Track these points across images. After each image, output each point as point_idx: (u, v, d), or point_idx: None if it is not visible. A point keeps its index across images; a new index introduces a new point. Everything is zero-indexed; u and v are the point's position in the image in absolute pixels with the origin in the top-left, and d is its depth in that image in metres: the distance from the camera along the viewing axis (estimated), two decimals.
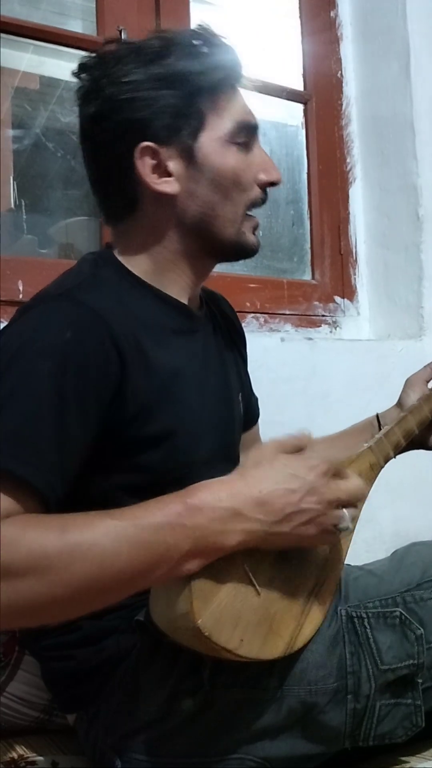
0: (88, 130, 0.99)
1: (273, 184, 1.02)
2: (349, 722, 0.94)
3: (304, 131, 2.01)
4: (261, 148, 1.03)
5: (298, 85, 2.01)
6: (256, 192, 1.01)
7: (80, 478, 0.86)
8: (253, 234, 1.03)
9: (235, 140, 0.98)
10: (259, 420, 1.26)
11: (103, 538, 0.76)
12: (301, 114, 2.02)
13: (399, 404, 1.21)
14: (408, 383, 1.21)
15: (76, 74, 0.99)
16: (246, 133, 1.00)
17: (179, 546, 0.78)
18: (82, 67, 0.99)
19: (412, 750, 1.03)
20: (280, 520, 0.83)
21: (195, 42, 0.98)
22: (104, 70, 0.97)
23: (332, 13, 2.05)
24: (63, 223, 1.72)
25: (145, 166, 0.96)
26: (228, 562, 0.83)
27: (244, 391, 1.16)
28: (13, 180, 1.69)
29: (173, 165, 0.97)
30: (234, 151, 0.98)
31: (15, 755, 1.09)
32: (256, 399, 1.24)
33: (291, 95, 1.99)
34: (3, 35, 1.59)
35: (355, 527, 0.91)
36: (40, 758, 1.08)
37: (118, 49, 0.98)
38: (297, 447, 0.89)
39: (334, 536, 0.89)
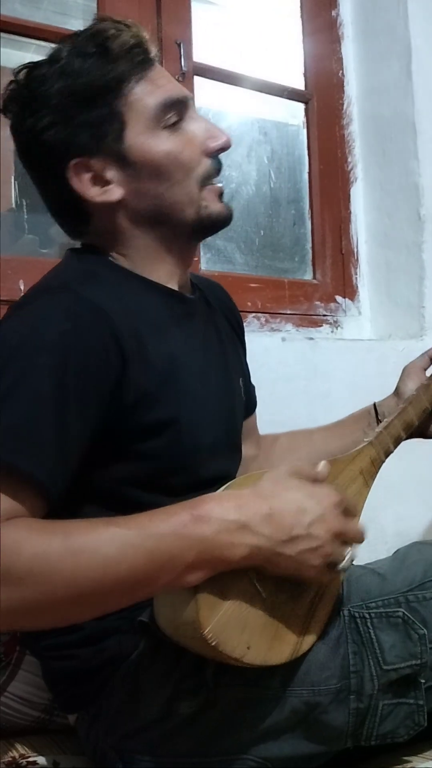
0: (25, 163, 1.00)
1: (222, 149, 0.99)
2: (352, 722, 0.93)
3: (305, 131, 2.01)
4: (199, 117, 0.99)
5: (299, 84, 2.01)
6: (206, 164, 0.98)
7: (84, 472, 0.86)
8: (218, 202, 1.00)
9: (163, 123, 0.95)
10: (261, 420, 1.26)
11: (107, 544, 0.75)
12: (302, 113, 2.02)
13: (396, 393, 1.19)
14: (405, 372, 1.20)
15: (2, 111, 0.98)
16: (175, 110, 0.96)
17: (183, 556, 0.77)
18: (5, 104, 0.98)
19: (415, 749, 1.02)
20: (287, 541, 0.82)
21: (94, 40, 0.94)
22: (21, 101, 0.95)
23: (333, 13, 2.05)
24: None
25: (82, 182, 0.95)
26: (234, 570, 0.82)
27: (245, 377, 1.15)
28: (14, 180, 1.68)
29: (109, 172, 0.95)
30: (165, 135, 0.95)
31: (16, 755, 1.09)
32: (254, 388, 1.23)
33: (292, 94, 1.99)
34: (4, 35, 1.59)
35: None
36: (41, 758, 1.08)
37: (31, 72, 0.95)
38: (313, 477, 0.88)
39: (332, 574, 0.88)
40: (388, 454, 1.05)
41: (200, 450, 0.96)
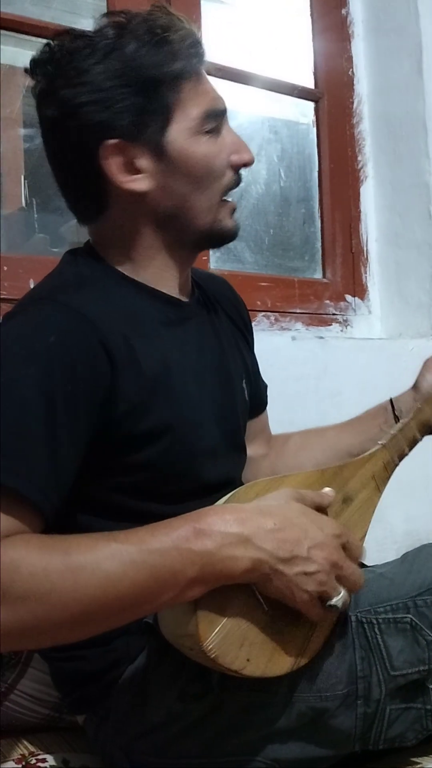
0: (48, 133, 0.95)
1: (246, 165, 0.99)
2: (359, 726, 0.93)
3: (315, 129, 2.01)
4: (230, 130, 0.99)
5: (309, 83, 2.01)
6: (230, 176, 0.98)
7: (80, 484, 0.85)
8: (231, 218, 1.00)
9: (204, 129, 0.95)
10: (271, 419, 1.25)
11: (108, 561, 0.74)
12: (313, 112, 2.01)
13: (415, 387, 1.16)
14: (426, 366, 1.16)
15: (29, 72, 0.94)
16: (214, 119, 0.96)
17: (185, 571, 0.76)
18: (34, 63, 0.94)
19: (423, 750, 1.02)
20: (287, 559, 0.81)
21: (152, 28, 0.92)
22: (58, 67, 0.91)
23: (344, 11, 2.04)
24: (74, 222, 1.71)
25: (112, 164, 0.92)
26: (235, 584, 0.81)
27: (249, 376, 1.13)
28: (24, 179, 1.69)
29: (142, 162, 0.93)
30: (204, 140, 0.95)
31: (26, 752, 1.09)
32: (265, 386, 1.22)
33: (302, 93, 1.99)
34: (15, 34, 1.59)
35: (337, 615, 0.89)
36: (51, 756, 1.08)
37: (71, 42, 0.92)
38: (317, 504, 0.87)
39: (323, 610, 0.85)
40: (402, 457, 1.04)
41: (198, 455, 0.95)
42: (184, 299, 1.03)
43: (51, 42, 0.94)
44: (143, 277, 0.98)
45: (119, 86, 0.90)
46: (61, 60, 0.91)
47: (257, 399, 1.18)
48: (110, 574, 0.74)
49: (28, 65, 0.95)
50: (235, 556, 0.78)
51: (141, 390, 0.89)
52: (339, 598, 0.84)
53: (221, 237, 1.01)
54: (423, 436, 1.08)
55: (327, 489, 0.90)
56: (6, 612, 0.70)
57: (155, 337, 0.94)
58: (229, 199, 1.00)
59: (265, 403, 1.23)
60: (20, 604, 0.71)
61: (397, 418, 1.08)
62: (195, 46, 0.95)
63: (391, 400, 1.16)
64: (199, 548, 0.77)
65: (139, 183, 0.94)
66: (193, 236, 0.99)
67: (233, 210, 1.01)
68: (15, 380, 0.81)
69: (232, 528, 0.79)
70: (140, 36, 0.91)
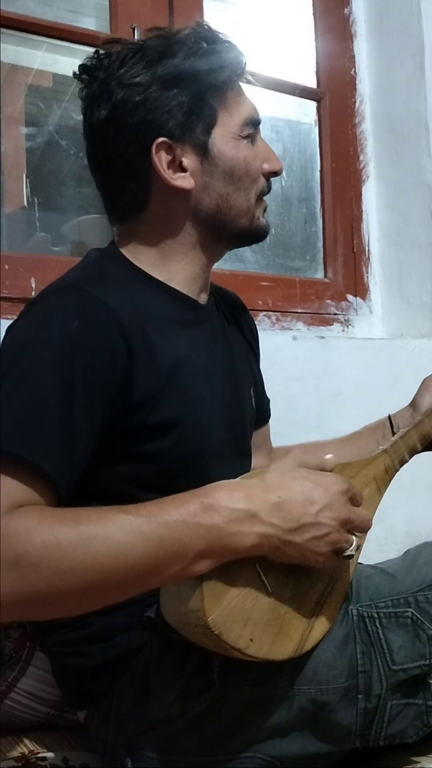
0: (99, 133, 1.00)
1: (276, 173, 1.06)
2: (360, 721, 0.93)
3: (317, 129, 2.01)
4: (263, 141, 1.06)
5: (311, 82, 2.01)
6: (263, 181, 1.05)
7: (90, 472, 0.86)
8: (264, 217, 1.07)
9: (243, 134, 1.01)
10: (272, 418, 1.26)
11: (118, 532, 0.76)
12: (314, 112, 2.02)
13: (412, 404, 1.19)
14: (424, 385, 1.19)
15: (78, 76, 1.01)
16: (252, 127, 1.03)
17: (193, 545, 0.78)
18: (85, 69, 1.01)
19: (424, 750, 1.02)
20: (295, 529, 0.82)
21: (198, 40, 0.99)
22: (110, 72, 0.98)
23: (346, 10, 2.04)
24: (76, 221, 1.73)
25: (161, 161, 0.98)
26: (240, 562, 0.83)
27: (256, 386, 1.16)
28: (26, 178, 1.69)
29: (188, 160, 0.99)
30: (244, 144, 1.01)
31: (26, 751, 1.09)
32: (268, 400, 1.24)
33: (304, 93, 1.99)
34: (17, 33, 1.59)
35: (357, 557, 0.91)
36: (51, 754, 1.08)
37: (121, 50, 0.99)
38: (320, 467, 0.89)
39: (339, 562, 0.88)
40: (402, 463, 1.06)
41: (205, 453, 0.96)
42: (202, 302, 1.06)
43: (100, 50, 1.01)
44: (167, 275, 1.01)
45: (170, 88, 0.97)
46: (112, 65, 0.98)
47: (261, 410, 1.21)
48: (120, 544, 0.75)
49: (76, 71, 1.01)
50: (242, 532, 0.80)
51: (155, 383, 0.91)
52: (353, 547, 0.87)
53: (258, 234, 1.07)
54: (423, 448, 1.10)
55: (329, 455, 0.92)
56: (18, 578, 0.72)
57: (171, 334, 0.96)
58: (264, 200, 1.06)
59: (269, 416, 1.25)
60: (33, 572, 0.72)
61: (394, 434, 1.10)
62: (239, 58, 1.03)
63: (389, 417, 1.19)
64: (207, 522, 0.78)
65: (184, 181, 0.99)
66: (233, 234, 1.04)
67: (265, 209, 1.08)
68: (37, 364, 0.83)
69: (240, 504, 0.80)
70: (187, 46, 0.99)
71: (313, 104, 2.01)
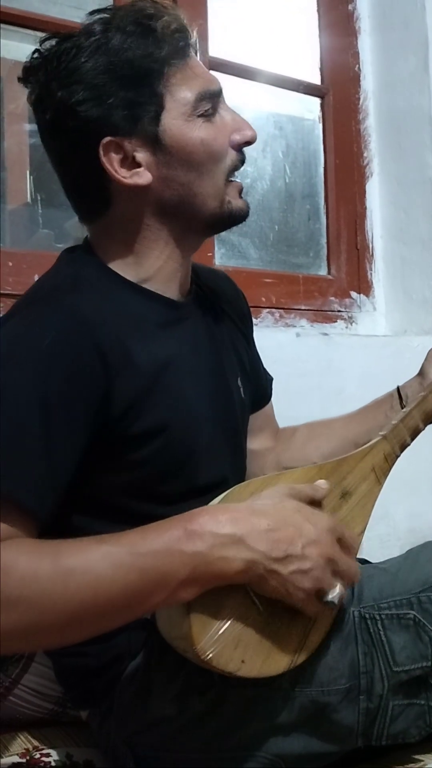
0: (48, 136, 0.96)
1: (248, 142, 0.98)
2: (362, 721, 0.93)
3: (321, 125, 2.01)
4: (229, 110, 0.98)
5: (315, 78, 2.00)
6: (232, 156, 0.97)
7: (79, 484, 0.85)
8: (240, 197, 0.99)
9: (199, 112, 0.94)
10: (276, 415, 1.25)
11: (98, 564, 0.74)
12: (318, 108, 2.01)
13: (421, 373, 1.14)
14: (431, 354, 1.15)
15: (22, 81, 0.95)
16: (209, 101, 0.95)
17: (177, 573, 0.76)
18: (27, 71, 0.94)
19: (426, 748, 1.02)
20: (281, 559, 0.80)
21: (137, 19, 0.92)
22: (51, 72, 0.91)
23: (350, 6, 2.03)
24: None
25: (112, 162, 0.92)
26: (230, 585, 0.81)
27: (246, 373, 1.12)
28: (30, 174, 1.69)
29: (140, 155, 0.93)
30: (200, 123, 0.94)
31: (29, 747, 1.09)
32: (271, 379, 1.21)
33: (308, 89, 1.99)
34: (20, 29, 1.59)
35: (336, 610, 0.89)
36: (54, 750, 1.08)
37: (61, 44, 0.92)
38: (311, 498, 0.87)
39: (320, 606, 0.85)
40: (403, 447, 1.02)
41: (194, 454, 0.95)
42: (181, 299, 1.02)
43: (39, 48, 0.94)
44: (143, 275, 0.98)
45: (110, 81, 0.90)
46: (51, 63, 0.91)
47: (259, 392, 1.18)
48: (100, 577, 0.74)
49: (20, 74, 0.95)
50: (227, 557, 0.78)
51: (137, 390, 0.89)
52: (336, 593, 0.84)
53: (232, 218, 0.99)
54: (426, 426, 1.06)
55: (320, 481, 0.90)
56: None
57: (150, 338, 0.94)
58: (235, 179, 0.99)
59: (269, 396, 1.22)
60: (12, 609, 0.71)
61: (403, 405, 1.07)
62: (180, 30, 0.93)
63: (398, 388, 1.15)
64: (190, 549, 0.77)
65: (140, 177, 0.93)
66: (203, 222, 0.98)
67: (241, 190, 1.00)
68: (10, 383, 0.81)
69: (225, 529, 0.78)
70: (125, 28, 0.91)
71: (316, 100, 2.01)
